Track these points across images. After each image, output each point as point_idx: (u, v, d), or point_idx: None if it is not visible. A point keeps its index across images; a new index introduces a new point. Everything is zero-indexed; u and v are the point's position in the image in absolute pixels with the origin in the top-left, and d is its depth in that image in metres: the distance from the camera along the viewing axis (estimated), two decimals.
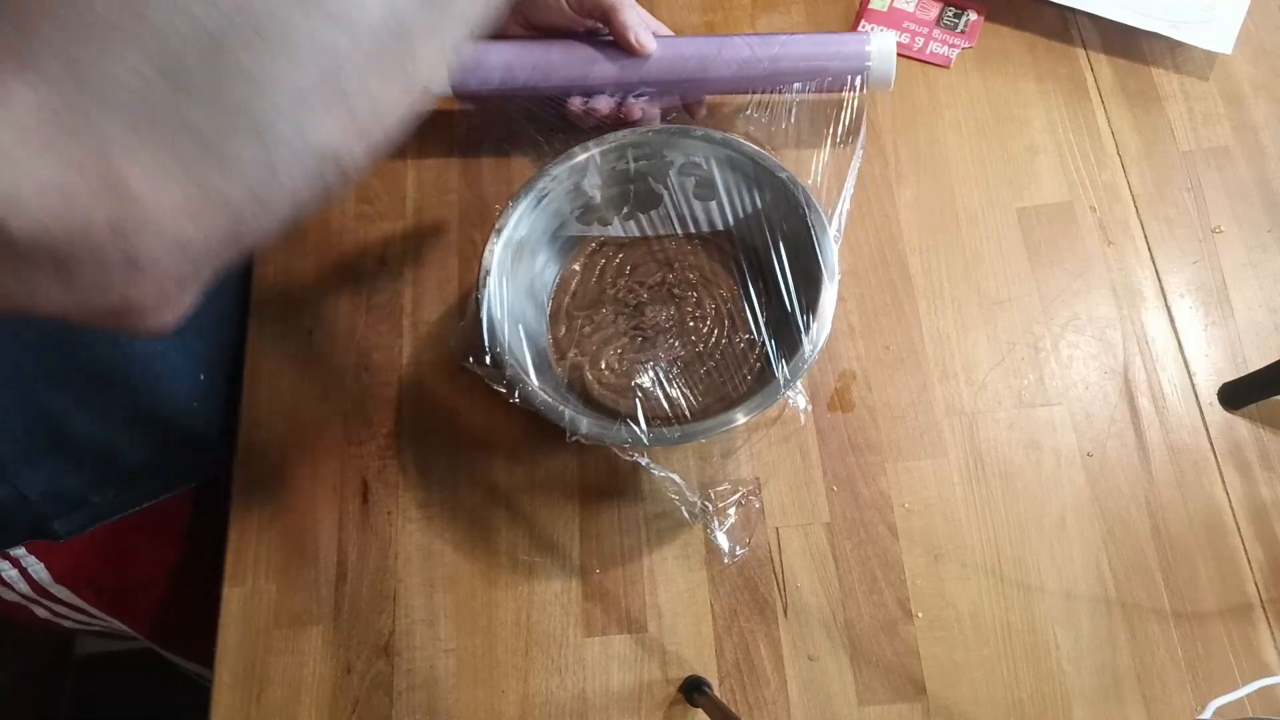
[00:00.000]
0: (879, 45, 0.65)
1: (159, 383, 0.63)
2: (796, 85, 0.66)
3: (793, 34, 0.66)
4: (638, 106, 0.66)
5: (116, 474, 0.66)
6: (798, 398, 0.60)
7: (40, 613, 0.70)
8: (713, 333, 0.63)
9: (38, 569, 0.66)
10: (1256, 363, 0.62)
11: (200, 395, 0.66)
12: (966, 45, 0.74)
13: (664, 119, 0.70)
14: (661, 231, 0.66)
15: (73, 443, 0.61)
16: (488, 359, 0.56)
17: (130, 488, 0.68)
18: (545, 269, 0.65)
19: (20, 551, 0.66)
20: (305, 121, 0.24)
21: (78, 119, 0.22)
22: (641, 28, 0.63)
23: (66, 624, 0.74)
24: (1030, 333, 0.65)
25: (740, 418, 0.54)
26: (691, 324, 0.63)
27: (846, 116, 0.68)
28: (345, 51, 0.24)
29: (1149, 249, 0.67)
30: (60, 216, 0.22)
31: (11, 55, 0.21)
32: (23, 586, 0.66)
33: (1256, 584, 0.58)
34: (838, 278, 0.56)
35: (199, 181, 0.23)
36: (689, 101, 0.70)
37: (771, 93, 0.67)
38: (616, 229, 0.66)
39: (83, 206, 0.22)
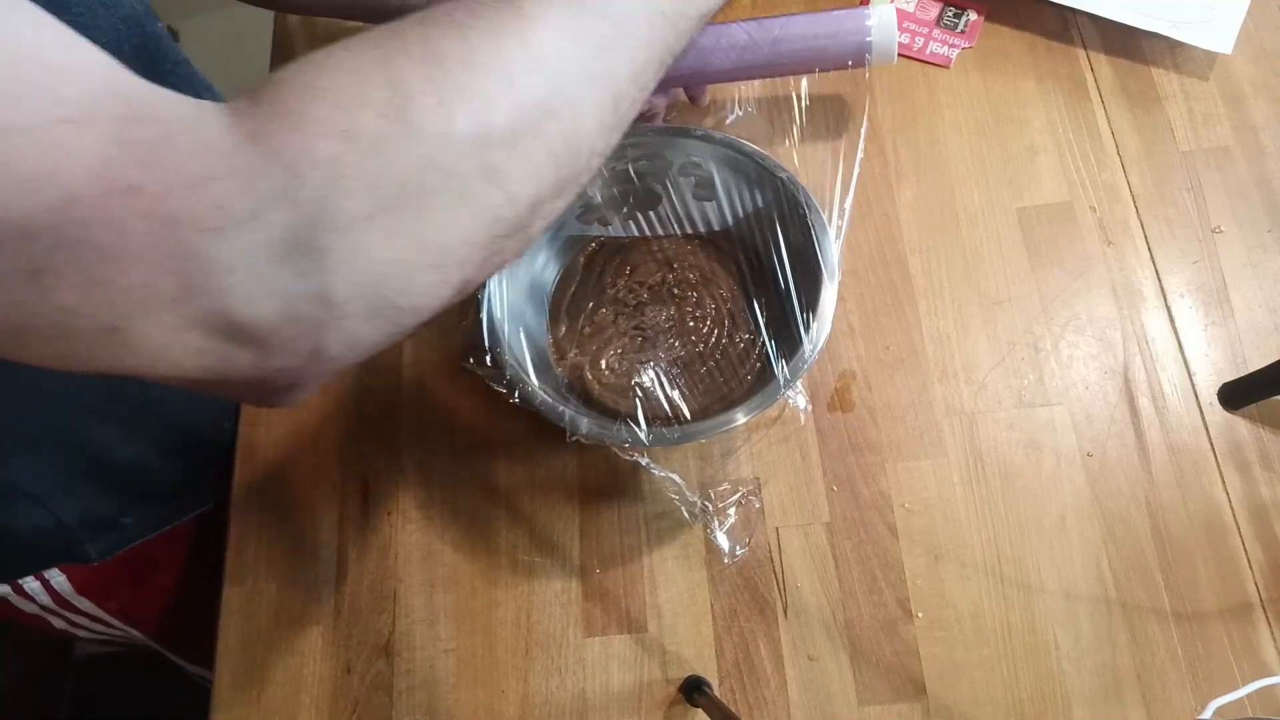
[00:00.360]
0: (879, 17, 0.63)
1: (195, 404, 0.63)
2: (796, 70, 0.65)
3: (790, 15, 0.65)
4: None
5: (150, 496, 0.67)
6: (798, 398, 0.60)
7: (57, 624, 0.70)
8: (713, 333, 0.63)
9: (59, 580, 0.66)
10: (1256, 363, 0.62)
11: (231, 414, 0.67)
12: (966, 45, 0.74)
13: (664, 116, 0.70)
14: (661, 231, 0.66)
15: (110, 468, 0.62)
16: (488, 359, 0.56)
17: (161, 509, 0.69)
18: (545, 269, 0.65)
19: None
20: (464, 263, 0.30)
21: (311, 241, 0.27)
22: None
23: (82, 634, 0.74)
24: (1030, 333, 0.65)
25: (740, 418, 0.54)
26: (691, 324, 0.63)
27: (846, 115, 0.68)
28: (504, 219, 0.30)
29: (1149, 249, 0.67)
30: (278, 312, 0.27)
31: (281, 193, 0.26)
32: (44, 599, 0.66)
33: (1256, 584, 0.58)
34: (838, 278, 0.56)
35: (385, 299, 0.29)
36: (692, 93, 0.69)
37: (775, 77, 0.66)
38: (616, 229, 0.66)
39: (296, 307, 0.27)
